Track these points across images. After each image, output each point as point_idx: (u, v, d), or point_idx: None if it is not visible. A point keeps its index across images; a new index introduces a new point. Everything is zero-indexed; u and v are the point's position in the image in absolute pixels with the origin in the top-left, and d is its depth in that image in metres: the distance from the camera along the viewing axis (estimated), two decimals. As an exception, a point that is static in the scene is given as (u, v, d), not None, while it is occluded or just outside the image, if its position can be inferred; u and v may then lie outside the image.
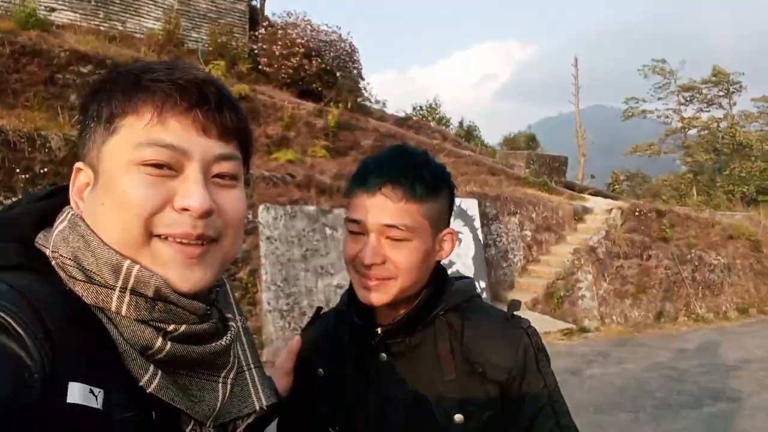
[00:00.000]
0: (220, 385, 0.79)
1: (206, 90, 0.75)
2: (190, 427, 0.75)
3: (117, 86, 0.74)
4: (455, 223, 9.59)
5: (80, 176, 0.77)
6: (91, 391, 0.64)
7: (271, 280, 8.05)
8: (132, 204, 0.70)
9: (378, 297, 1.11)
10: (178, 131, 0.72)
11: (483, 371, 1.11)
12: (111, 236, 0.71)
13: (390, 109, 15.91)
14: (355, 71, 13.97)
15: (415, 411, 1.12)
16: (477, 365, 1.12)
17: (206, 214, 0.73)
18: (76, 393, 0.63)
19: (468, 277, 1.30)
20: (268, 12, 14.35)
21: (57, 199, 0.80)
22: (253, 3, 14.17)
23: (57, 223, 0.76)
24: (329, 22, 14.99)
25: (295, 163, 9.66)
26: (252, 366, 0.89)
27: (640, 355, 8.88)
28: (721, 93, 43.00)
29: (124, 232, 0.71)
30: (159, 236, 0.72)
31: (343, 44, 13.64)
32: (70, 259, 0.71)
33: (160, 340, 0.71)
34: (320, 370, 1.23)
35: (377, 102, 15.33)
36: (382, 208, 1.09)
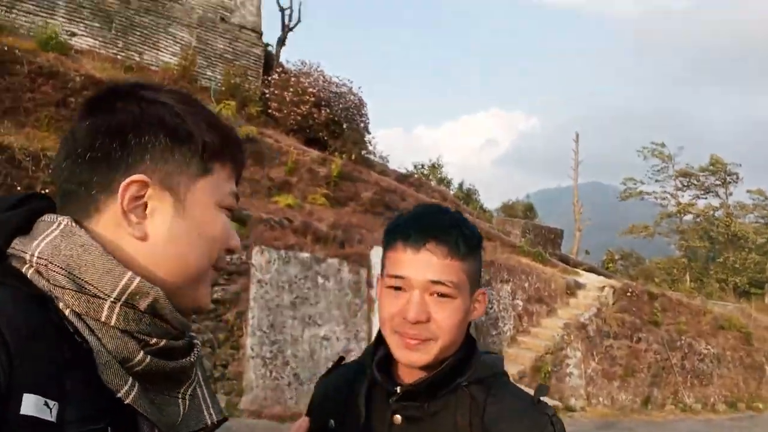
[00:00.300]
0: (180, 400, 0.81)
1: (244, 151, 0.92)
2: None
3: (213, 129, 0.83)
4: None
5: (134, 187, 0.76)
6: (46, 404, 0.64)
7: (258, 325, 7.87)
8: (223, 240, 0.84)
9: (419, 357, 1.09)
10: (233, 182, 0.88)
11: None
12: (197, 261, 0.81)
13: (392, 164, 16.05)
14: (362, 124, 14.16)
15: None
16: None
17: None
18: (30, 405, 0.63)
19: (495, 353, 1.25)
20: (282, 59, 14.63)
21: (27, 206, 0.80)
22: (269, 49, 14.48)
23: (47, 231, 0.75)
24: (341, 75, 15.31)
25: (294, 209, 9.63)
26: (202, 383, 0.89)
27: (625, 440, 8.61)
28: (717, 182, 43.75)
29: (208, 261, 0.82)
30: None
31: (352, 97, 13.87)
32: (60, 267, 0.72)
33: (141, 352, 0.73)
34: (331, 421, 1.18)
35: (380, 157, 15.47)
36: (428, 263, 1.08)
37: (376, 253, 9.04)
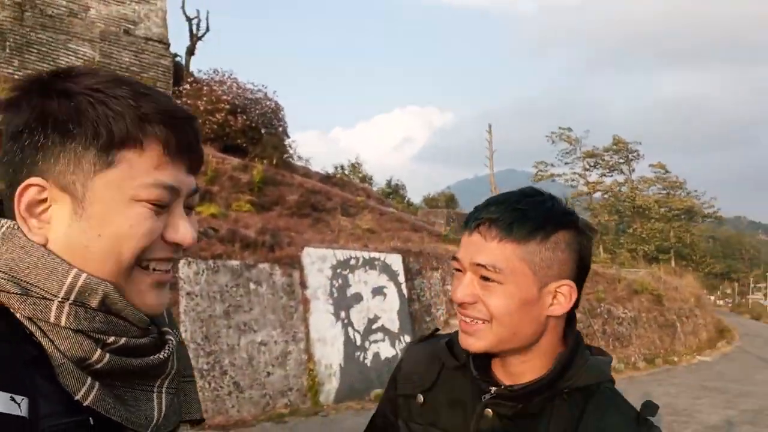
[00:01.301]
0: (155, 395, 0.79)
1: (195, 129, 0.79)
2: None
3: (111, 111, 0.71)
4: (380, 278, 9.72)
5: (31, 192, 0.72)
6: (12, 399, 0.62)
7: (191, 338, 7.75)
8: (137, 237, 0.73)
9: (473, 342, 1.04)
10: (176, 172, 0.76)
11: None
12: (102, 265, 0.72)
13: (314, 167, 16.12)
14: (280, 128, 14.16)
15: None
16: None
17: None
18: None
19: (606, 354, 1.15)
20: (193, 68, 14.41)
21: None
22: (178, 59, 14.19)
23: None
24: (256, 81, 15.24)
25: (219, 217, 9.53)
26: (189, 379, 0.90)
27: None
28: (621, 160, 46.55)
29: (119, 264, 0.73)
30: (140, 265, 0.75)
31: (268, 102, 13.84)
32: (2, 272, 0.69)
33: (98, 351, 0.71)
34: (420, 396, 1.15)
35: (301, 159, 15.51)
36: (475, 245, 1.02)
37: (307, 254, 9.12)
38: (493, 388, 1.05)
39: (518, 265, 1.00)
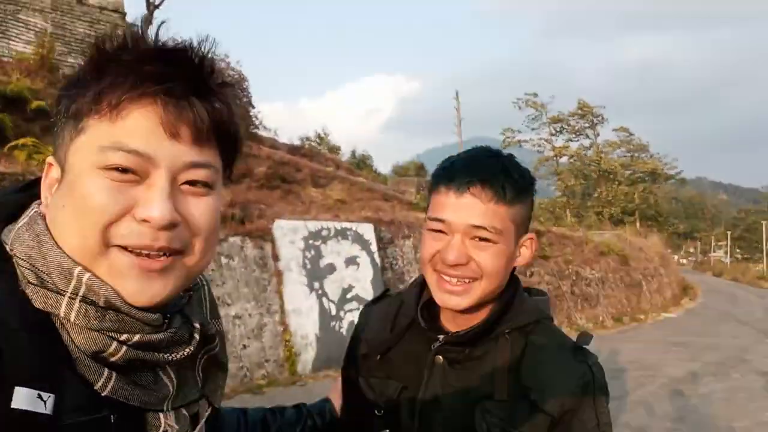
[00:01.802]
0: (165, 374, 0.76)
1: (175, 69, 0.67)
2: (153, 420, 0.73)
3: (84, 78, 0.68)
4: (352, 248, 9.71)
5: (52, 171, 0.72)
6: (39, 396, 0.62)
7: (164, 313, 7.68)
8: (91, 210, 0.66)
9: (460, 301, 1.07)
10: (145, 133, 0.66)
11: (535, 399, 1.05)
12: (69, 241, 0.68)
13: (282, 138, 15.90)
14: (244, 99, 13.88)
15: (460, 419, 1.09)
16: (531, 391, 1.06)
17: (169, 227, 0.67)
18: (22, 398, 0.61)
19: (544, 294, 1.24)
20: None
21: (30, 192, 0.76)
22: (135, 29, 13.70)
23: (21, 218, 0.72)
24: (218, 51, 14.79)
25: (187, 192, 9.36)
26: (222, 368, 0.88)
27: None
28: (586, 124, 47.09)
29: (82, 239, 0.66)
30: (118, 246, 0.67)
31: (231, 72, 13.52)
32: (23, 259, 0.68)
33: (114, 345, 0.68)
34: (374, 353, 1.21)
35: (267, 129, 15.27)
36: (471, 208, 1.04)
37: (278, 227, 9.04)
38: (441, 336, 1.13)
39: (509, 224, 1.07)
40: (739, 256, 66.52)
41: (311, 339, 8.67)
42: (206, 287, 0.88)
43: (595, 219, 34.46)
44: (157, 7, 14.39)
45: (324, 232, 9.45)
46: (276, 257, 8.88)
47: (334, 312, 9.07)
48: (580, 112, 45.67)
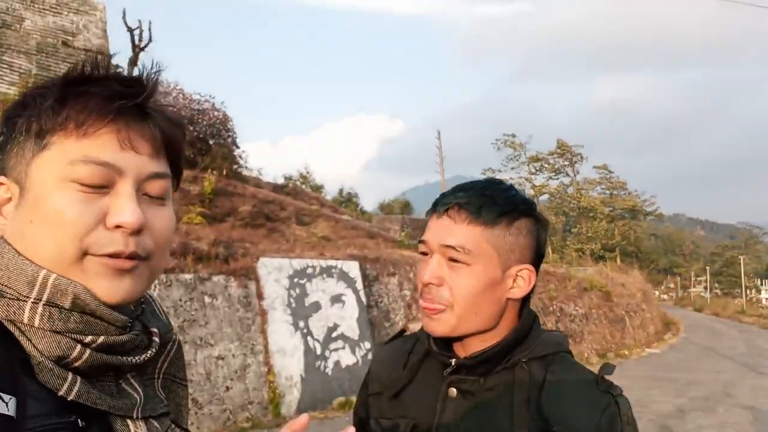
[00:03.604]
0: (129, 385, 0.77)
1: (133, 98, 0.73)
2: (122, 428, 0.73)
3: (44, 99, 0.72)
4: (338, 286, 9.67)
5: (0, 190, 0.73)
6: (0, 398, 0.61)
7: (146, 355, 7.52)
8: (66, 223, 0.69)
9: (436, 326, 1.07)
10: (110, 146, 0.71)
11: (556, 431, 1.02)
12: (41, 254, 0.70)
13: (266, 177, 15.94)
14: (229, 139, 13.95)
15: None
16: (553, 425, 1.02)
17: (137, 232, 0.72)
18: None
19: (561, 333, 1.21)
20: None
21: None
22: (120, 70, 13.80)
23: None
24: (202, 92, 14.91)
25: (170, 231, 9.29)
26: (181, 382, 0.89)
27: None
28: (566, 163, 47.94)
29: (57, 251, 0.69)
30: (92, 254, 0.70)
31: (216, 113, 13.62)
32: None
33: (77, 348, 0.69)
34: (387, 392, 1.19)
35: (251, 170, 15.31)
36: (446, 228, 1.07)
37: (263, 265, 8.99)
38: (454, 360, 1.09)
39: (485, 247, 1.05)
40: (718, 291, 67.22)
41: (296, 380, 8.53)
42: (155, 302, 0.91)
43: (576, 255, 34.74)
44: (142, 49, 14.54)
45: (309, 270, 9.41)
46: (260, 296, 8.79)
47: (319, 351, 8.95)
48: (559, 150, 46.56)
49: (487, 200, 1.06)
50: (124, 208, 0.71)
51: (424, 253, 1.10)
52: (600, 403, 1.03)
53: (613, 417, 1.02)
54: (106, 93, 0.71)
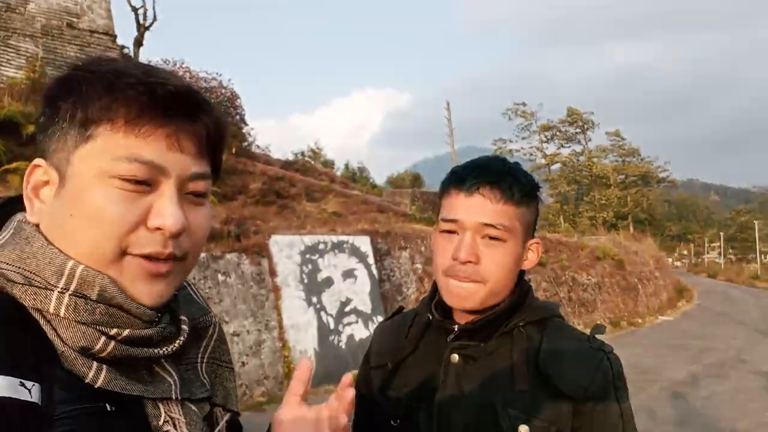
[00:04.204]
0: (162, 369, 0.77)
1: (185, 101, 0.73)
2: (153, 410, 0.73)
3: (92, 88, 0.70)
4: (349, 261, 9.72)
5: (37, 173, 0.73)
6: (22, 384, 0.61)
7: (163, 333, 7.65)
8: (107, 221, 0.68)
9: (467, 300, 1.12)
10: (157, 146, 0.70)
11: (556, 385, 1.07)
12: (79, 249, 0.70)
13: (275, 155, 15.95)
14: (237, 117, 13.92)
15: (480, 415, 1.10)
16: (551, 378, 1.08)
17: (179, 234, 0.72)
18: (2, 385, 0.60)
19: (553, 302, 1.29)
20: (143, 59, 13.98)
21: (7, 209, 0.78)
22: (126, 51, 13.76)
23: (4, 232, 0.75)
24: (210, 69, 14.78)
25: (182, 211, 9.35)
26: (227, 365, 0.89)
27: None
28: (577, 131, 47.34)
29: (96, 248, 0.69)
30: (131, 254, 0.70)
31: (224, 90, 13.58)
32: (8, 263, 0.70)
33: (102, 340, 0.69)
34: (389, 364, 1.23)
35: (259, 147, 15.31)
36: (481, 207, 1.11)
37: (274, 242, 9.05)
38: (456, 326, 1.16)
39: (516, 224, 1.13)
40: (732, 257, 66.83)
41: (310, 354, 8.64)
42: (190, 287, 0.90)
43: (589, 224, 34.56)
44: (147, 28, 14.47)
45: (321, 246, 9.46)
46: (273, 273, 8.87)
47: (332, 326, 9.06)
48: (569, 119, 45.95)
49: (515, 180, 1.13)
50: (166, 210, 0.70)
51: (450, 231, 1.14)
52: (594, 359, 1.10)
53: (606, 370, 1.10)
54: (160, 92, 0.70)
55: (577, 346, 1.12)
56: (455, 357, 1.15)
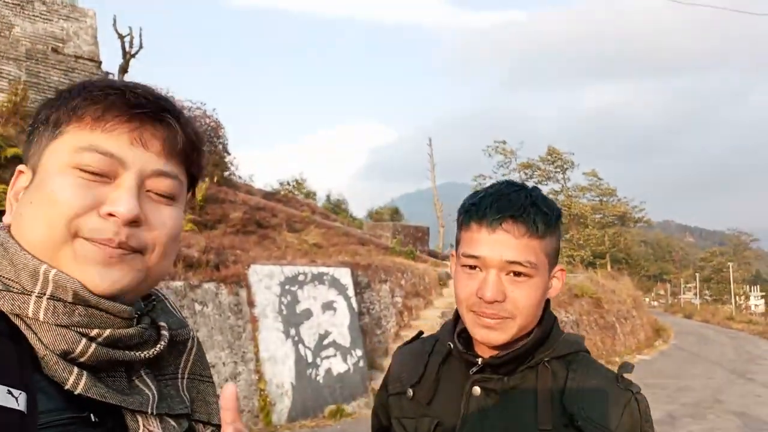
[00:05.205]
0: (141, 381, 0.77)
1: (153, 103, 0.75)
2: (131, 423, 0.73)
3: (68, 94, 0.76)
4: (329, 293, 9.63)
5: (21, 179, 0.77)
6: (10, 392, 0.61)
7: (135, 363, 7.45)
8: (58, 203, 0.70)
9: (498, 336, 1.07)
10: (119, 140, 0.73)
11: (581, 426, 1.04)
12: (33, 234, 0.71)
13: (258, 184, 15.92)
14: (220, 146, 13.92)
15: None
16: (576, 418, 1.04)
17: (132, 222, 0.72)
18: None
19: (577, 335, 1.25)
20: (127, 86, 13.99)
21: None
22: (110, 76, 13.75)
23: None
24: (194, 99, 14.81)
25: (161, 238, 9.23)
26: (206, 380, 0.88)
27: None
28: (557, 169, 48.18)
29: (48, 230, 0.70)
30: (82, 238, 0.71)
31: (207, 120, 13.60)
32: None
33: (83, 343, 0.69)
34: (410, 391, 1.19)
35: (241, 178, 15.28)
36: (505, 243, 1.06)
37: (254, 272, 8.95)
38: (480, 359, 1.11)
39: (542, 257, 1.08)
40: (708, 298, 67.65)
41: (287, 387, 8.48)
42: (169, 300, 0.91)
43: (566, 262, 34.88)
44: (133, 56, 14.50)
45: (300, 277, 9.37)
46: (251, 303, 8.75)
47: (310, 359, 8.91)
48: (549, 157, 46.75)
49: (538, 210, 1.08)
50: (120, 198, 0.71)
51: (471, 267, 1.09)
52: (621, 399, 1.07)
53: (634, 411, 1.07)
54: (128, 94, 0.74)
55: (604, 385, 1.08)
56: (477, 390, 1.11)
